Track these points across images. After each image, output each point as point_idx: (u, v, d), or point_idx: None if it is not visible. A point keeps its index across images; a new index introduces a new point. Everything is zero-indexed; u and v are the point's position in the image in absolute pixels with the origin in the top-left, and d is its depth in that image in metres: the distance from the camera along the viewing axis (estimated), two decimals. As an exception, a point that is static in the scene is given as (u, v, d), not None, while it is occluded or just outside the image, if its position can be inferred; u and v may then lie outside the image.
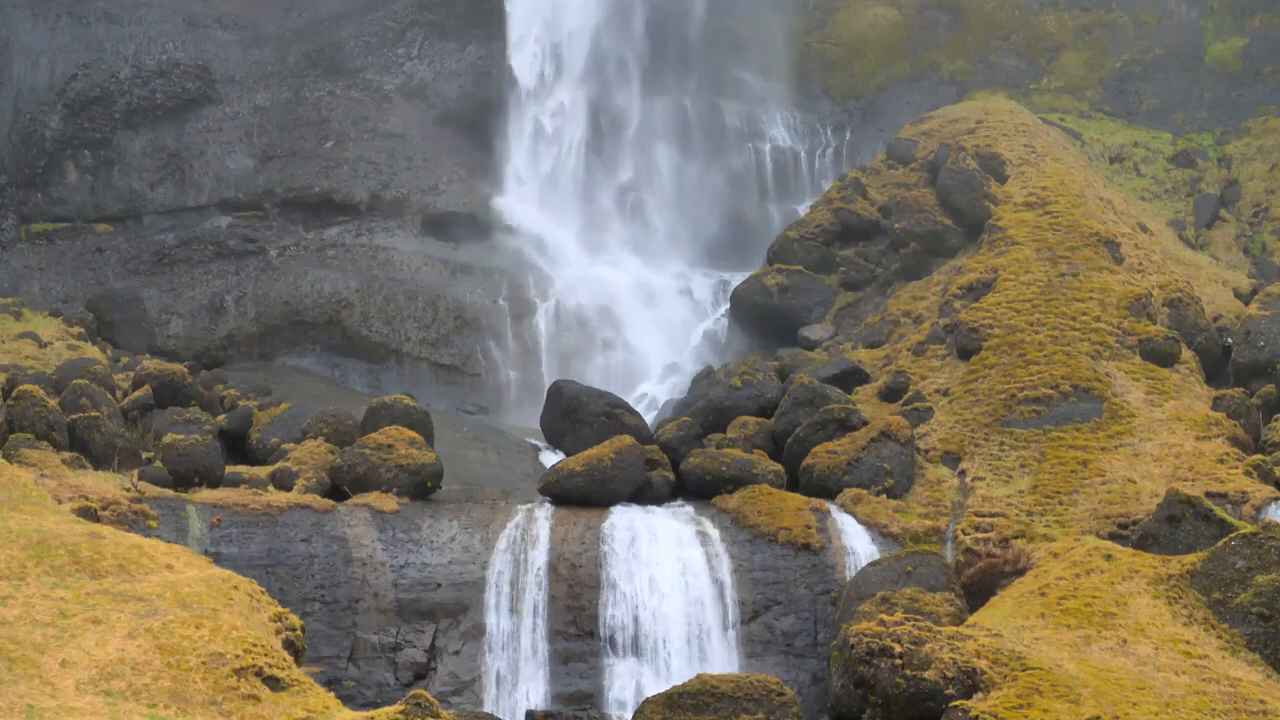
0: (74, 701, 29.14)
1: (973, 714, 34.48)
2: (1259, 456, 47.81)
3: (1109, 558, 40.85)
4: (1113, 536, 44.29)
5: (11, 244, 64.56)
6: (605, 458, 47.16)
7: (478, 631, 43.78)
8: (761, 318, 61.69)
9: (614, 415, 51.04)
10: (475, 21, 70.54)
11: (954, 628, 38.55)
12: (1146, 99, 73.88)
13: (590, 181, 71.14)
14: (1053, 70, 75.60)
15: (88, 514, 40.27)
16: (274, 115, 67.79)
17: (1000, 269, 56.07)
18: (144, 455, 46.81)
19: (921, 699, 35.79)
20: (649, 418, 55.54)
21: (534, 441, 56.24)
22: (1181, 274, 57.88)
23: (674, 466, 49.04)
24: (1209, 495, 44.80)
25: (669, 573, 44.36)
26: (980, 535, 45.70)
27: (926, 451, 49.69)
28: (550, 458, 53.34)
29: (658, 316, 66.83)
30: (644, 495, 47.65)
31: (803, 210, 66.98)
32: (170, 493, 44.12)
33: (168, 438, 46.78)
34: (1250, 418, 50.14)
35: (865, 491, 47.31)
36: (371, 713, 31.12)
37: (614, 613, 43.82)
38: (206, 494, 44.45)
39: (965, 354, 53.21)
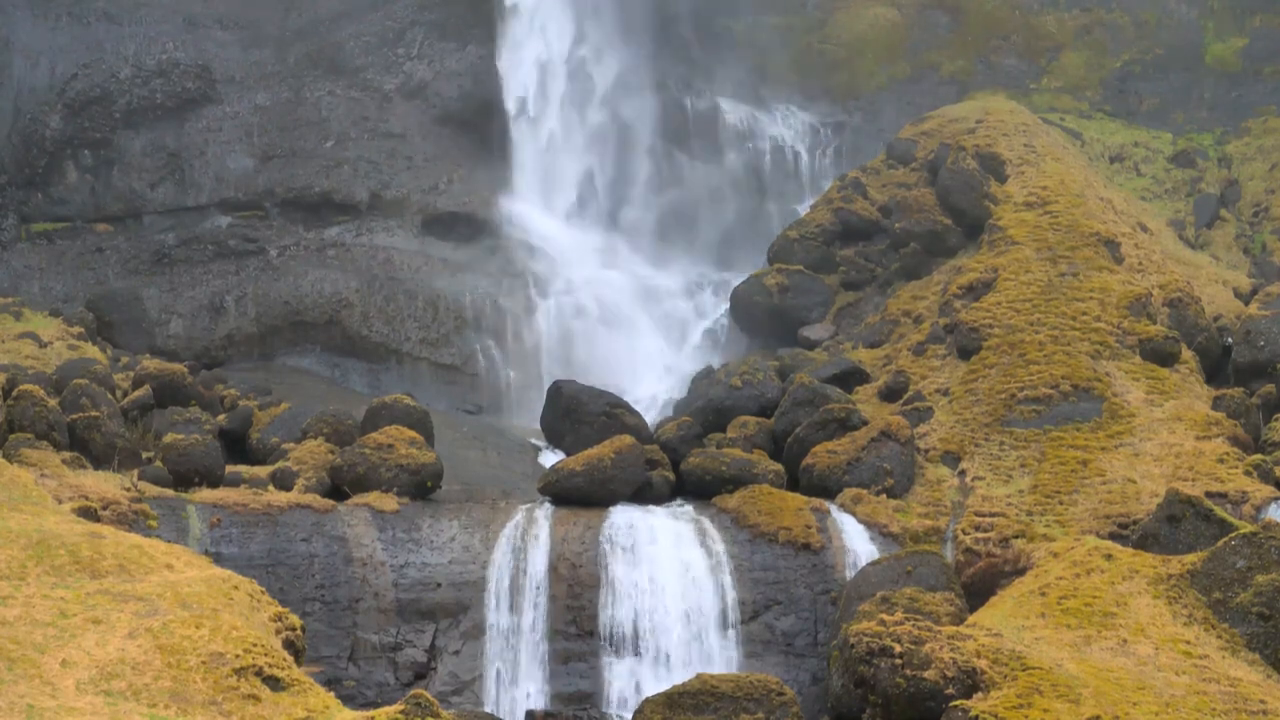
0: (74, 701, 29.14)
1: (973, 714, 34.48)
2: (1259, 456, 47.80)
3: (1109, 558, 40.85)
4: (1113, 536, 44.29)
5: (11, 244, 64.57)
6: (605, 458, 47.16)
7: (478, 631, 43.79)
8: (761, 318, 61.68)
9: (614, 415, 51.05)
10: (475, 21, 70.53)
11: (954, 627, 38.54)
12: (1146, 99, 73.90)
13: (590, 181, 71.15)
14: (1053, 70, 75.61)
15: (88, 514, 40.27)
16: (274, 115, 67.79)
17: (1000, 269, 56.07)
18: (144, 455, 46.81)
19: (921, 699, 35.79)
20: (649, 418, 55.53)
21: (534, 441, 56.25)
22: (1181, 274, 57.88)
23: (674, 466, 49.03)
24: (1209, 495, 44.79)
25: (669, 572, 44.37)
26: (980, 535, 45.70)
27: (926, 451, 49.69)
28: (550, 458, 53.34)
29: (658, 316, 66.83)
30: (644, 495, 47.64)
31: (803, 210, 66.97)
32: (170, 493, 44.12)
33: (168, 438, 46.78)
34: (1250, 418, 50.13)
35: (865, 491, 47.30)
36: (371, 713, 31.11)
37: (614, 612, 43.82)
38: (206, 494, 44.45)
39: (965, 354, 53.21)
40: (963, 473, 48.75)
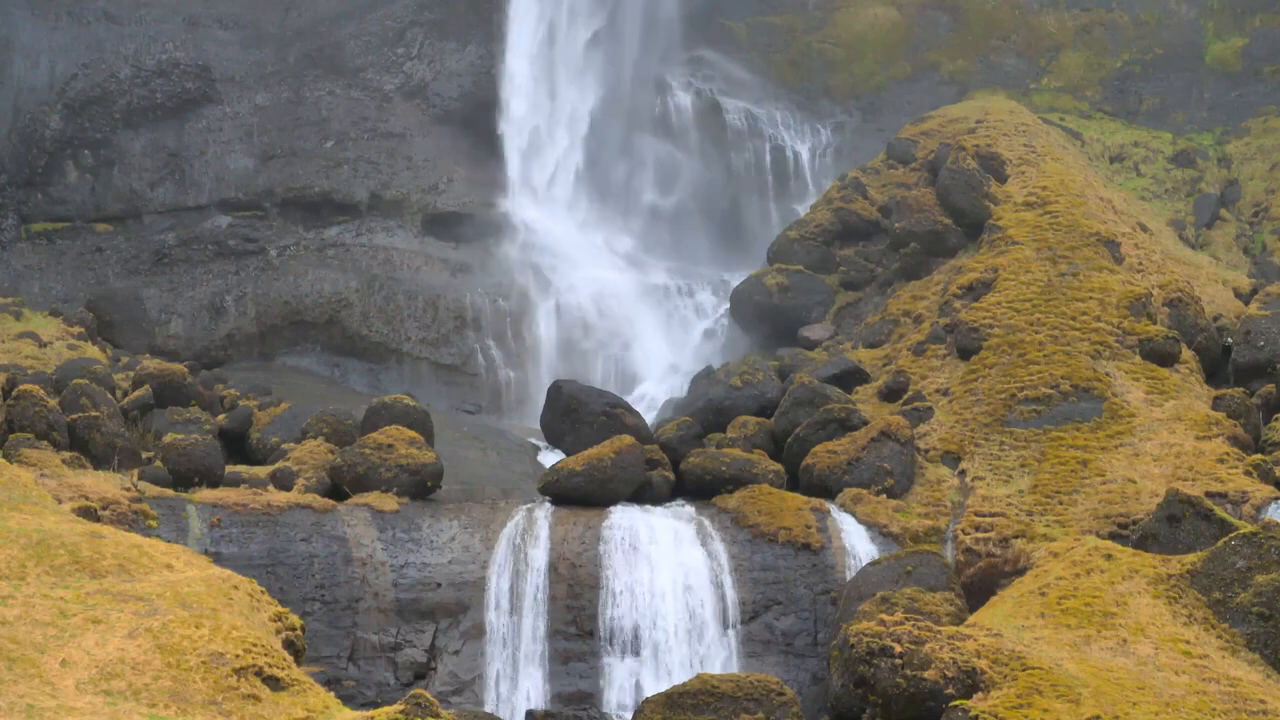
0: (74, 701, 29.15)
1: (973, 714, 34.48)
2: (1259, 456, 47.80)
3: (1109, 557, 40.86)
4: (1113, 536, 44.30)
5: (11, 244, 64.60)
6: (605, 457, 47.15)
7: (478, 631, 43.80)
8: (761, 318, 61.68)
9: (614, 415, 51.02)
10: (475, 21, 70.58)
11: (954, 627, 38.56)
12: (1146, 99, 73.89)
13: (590, 181, 71.18)
14: (1053, 70, 75.61)
15: (88, 514, 40.27)
16: (274, 115, 67.84)
17: (1000, 269, 56.07)
18: (144, 455, 46.83)
19: (921, 699, 35.79)
20: (649, 418, 55.55)
21: (534, 441, 56.26)
22: (1181, 274, 57.87)
23: (674, 466, 49.03)
24: (1209, 495, 44.80)
25: (669, 572, 44.37)
26: (980, 535, 45.70)
27: (926, 451, 49.69)
28: (550, 457, 53.35)
29: (658, 316, 66.85)
30: (644, 495, 47.64)
31: (803, 210, 66.98)
32: (170, 492, 44.12)
33: (168, 437, 46.80)
34: (1250, 417, 50.13)
35: (865, 491, 47.30)
36: (371, 713, 31.12)
37: (614, 612, 43.82)
38: (206, 494, 44.46)
39: (965, 354, 53.20)
40: (963, 473, 48.75)
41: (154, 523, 42.43)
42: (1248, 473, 46.74)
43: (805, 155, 72.83)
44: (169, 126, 66.89)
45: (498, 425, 60.11)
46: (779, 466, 48.71)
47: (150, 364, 52.90)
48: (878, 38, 76.75)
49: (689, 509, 47.03)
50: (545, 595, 44.03)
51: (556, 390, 53.32)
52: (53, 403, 46.10)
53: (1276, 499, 45.35)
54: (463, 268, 66.33)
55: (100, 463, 45.48)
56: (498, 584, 44.17)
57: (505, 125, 70.15)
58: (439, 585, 44.12)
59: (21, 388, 46.02)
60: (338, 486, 46.62)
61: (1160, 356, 52.17)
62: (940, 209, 61.14)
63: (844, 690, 37.70)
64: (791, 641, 44.14)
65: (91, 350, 56.69)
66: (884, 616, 38.10)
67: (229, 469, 46.67)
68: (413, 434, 47.47)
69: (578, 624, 43.81)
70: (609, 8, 73.59)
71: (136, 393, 50.59)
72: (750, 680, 37.88)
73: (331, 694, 32.31)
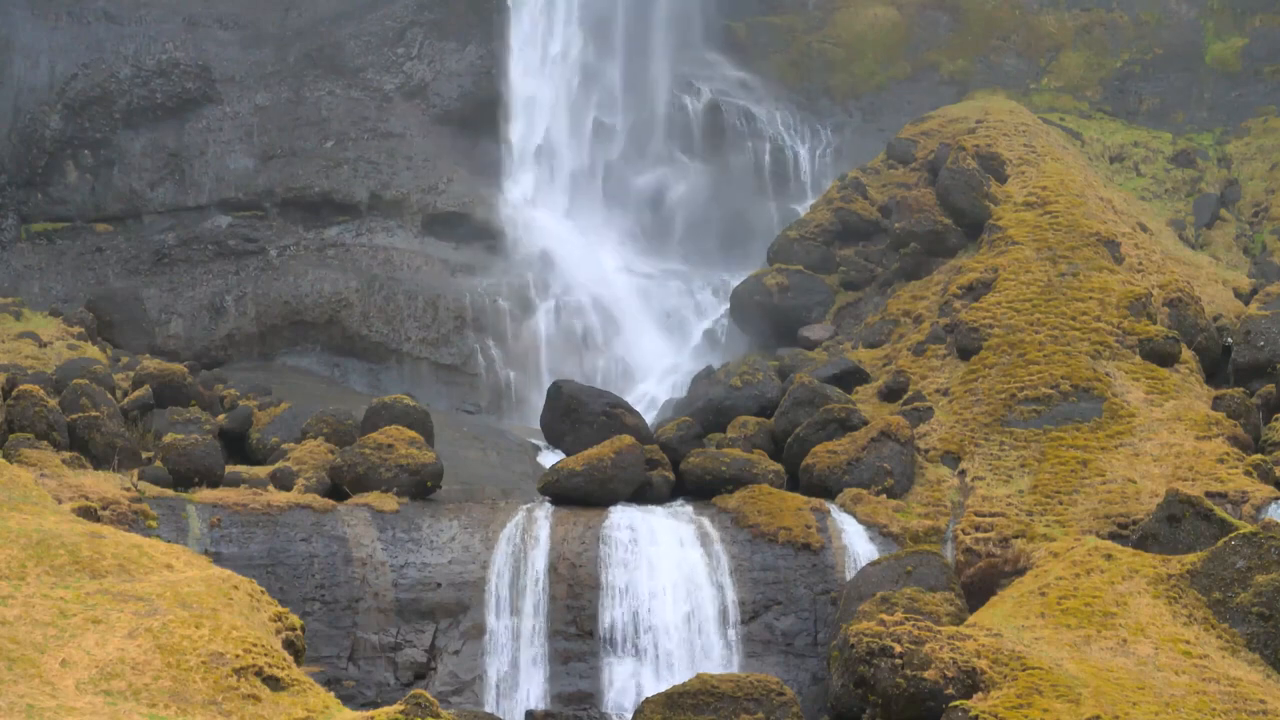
0: (74, 701, 29.14)
1: (973, 714, 34.48)
2: (1259, 456, 47.80)
3: (1109, 557, 40.86)
4: (1113, 536, 44.30)
5: (11, 244, 64.60)
6: (605, 458, 47.15)
7: (478, 631, 43.79)
8: (761, 318, 61.68)
9: (614, 415, 51.02)
10: (475, 21, 70.57)
11: (954, 627, 38.56)
12: (1146, 99, 73.91)
13: (590, 181, 71.17)
14: (1053, 70, 75.63)
15: (88, 514, 40.27)
16: (274, 115, 67.83)
17: (1000, 269, 56.07)
18: (144, 455, 46.83)
19: (921, 699, 35.80)
20: (649, 418, 55.54)
21: (534, 441, 56.26)
22: (1181, 274, 57.87)
23: (674, 466, 49.02)
24: (1209, 495, 44.80)
25: (669, 573, 44.37)
26: (980, 535, 45.70)
27: (926, 451, 49.69)
28: (550, 457, 53.35)
29: (658, 316, 66.84)
30: (644, 495, 47.63)
31: (803, 210, 66.99)
32: (170, 492, 44.12)
33: (168, 437, 46.79)
34: (1250, 417, 50.13)
35: (865, 491, 47.30)
36: (371, 713, 31.11)
37: (614, 613, 43.81)
38: (206, 494, 44.46)
39: (965, 354, 53.20)
40: (963, 473, 48.75)
41: (154, 523, 42.43)
42: (1248, 473, 46.75)
43: (805, 155, 72.82)
44: (169, 126, 66.89)
45: (498, 425, 60.11)
46: (779, 466, 48.71)
47: (150, 364, 52.90)
48: (878, 38, 76.77)
49: (689, 509, 47.03)
50: (545, 595, 44.03)
51: (556, 390, 53.31)
52: (53, 403, 46.10)
53: (1276, 499, 45.35)
54: (463, 268, 66.32)
55: (100, 463, 45.48)
56: (498, 584, 44.16)
57: (505, 125, 70.14)
58: (439, 585, 44.12)
59: (21, 388, 46.02)
60: (338, 486, 46.63)
61: (1160, 356, 52.18)
62: (940, 209, 61.14)
63: (844, 690, 37.70)
64: (791, 641, 44.14)
65: (91, 350, 56.70)
66: (884, 616, 38.10)
67: (229, 469, 46.66)
68: (413, 434, 47.47)
69: (578, 624, 43.81)
70: (609, 6, 73.60)
71: (136, 393, 50.59)
72: (750, 680, 37.88)
73: (331, 694, 32.32)
